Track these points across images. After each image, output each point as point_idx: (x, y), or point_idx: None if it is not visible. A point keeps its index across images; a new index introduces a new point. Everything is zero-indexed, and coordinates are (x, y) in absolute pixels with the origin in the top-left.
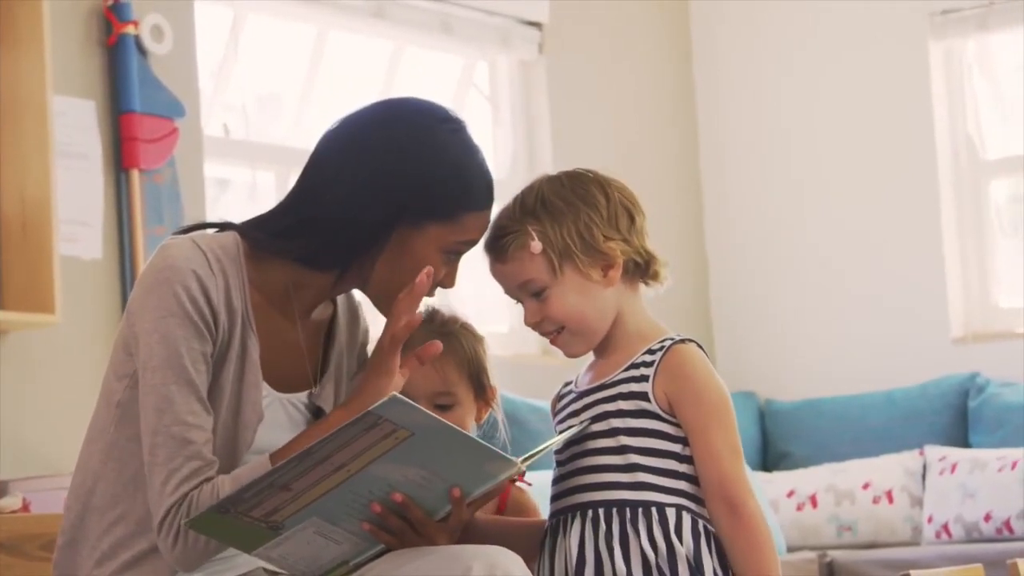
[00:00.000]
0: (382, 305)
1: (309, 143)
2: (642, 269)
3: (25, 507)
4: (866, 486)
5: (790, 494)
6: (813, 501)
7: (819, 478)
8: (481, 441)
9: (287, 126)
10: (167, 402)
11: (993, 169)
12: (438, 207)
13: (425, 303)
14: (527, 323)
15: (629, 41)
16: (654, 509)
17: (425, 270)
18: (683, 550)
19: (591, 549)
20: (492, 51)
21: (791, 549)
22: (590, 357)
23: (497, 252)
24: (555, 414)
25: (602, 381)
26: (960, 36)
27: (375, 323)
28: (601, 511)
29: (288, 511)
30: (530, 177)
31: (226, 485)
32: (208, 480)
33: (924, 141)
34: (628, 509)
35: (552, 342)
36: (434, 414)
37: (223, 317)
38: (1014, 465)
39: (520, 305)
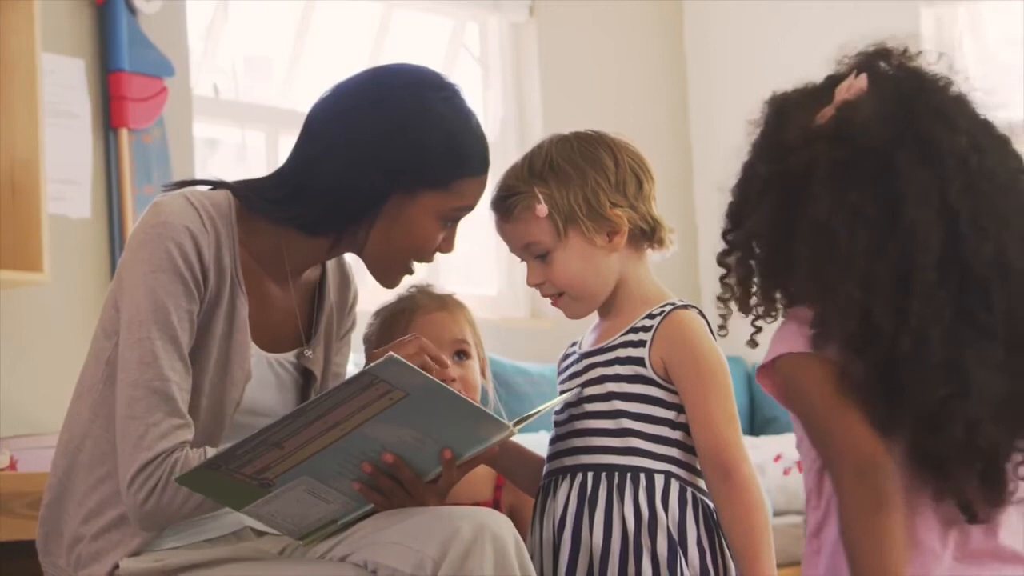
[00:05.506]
0: (378, 271)
1: (299, 104)
2: (648, 235)
3: (12, 465)
4: None
5: (777, 459)
6: (799, 466)
7: None
8: (475, 404)
9: (277, 87)
10: (152, 356)
11: None
12: (433, 176)
13: (416, 278)
14: (529, 283)
15: (619, 4)
16: (642, 475)
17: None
18: (666, 520)
19: (572, 514)
20: (482, 13)
21: (777, 513)
22: (595, 318)
23: (503, 212)
24: (559, 374)
25: (602, 344)
26: (951, 2)
27: (364, 286)
28: (590, 475)
29: (279, 469)
30: (521, 140)
31: (212, 455)
32: (188, 443)
33: None
34: (616, 474)
35: (553, 303)
36: (431, 376)
37: (212, 274)
38: None
39: (520, 264)
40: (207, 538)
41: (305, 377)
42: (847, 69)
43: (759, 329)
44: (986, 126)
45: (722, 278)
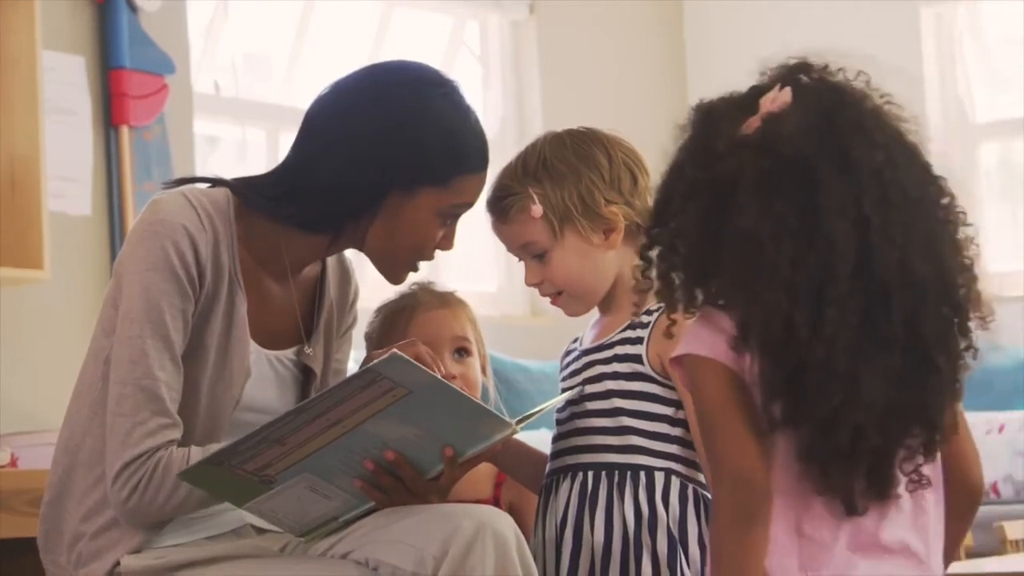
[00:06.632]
0: (382, 267)
1: (299, 102)
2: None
3: (13, 463)
4: None
5: None
6: None
7: None
8: (478, 402)
9: (277, 84)
10: (141, 354)
11: (983, 132)
12: (431, 173)
13: (416, 275)
14: (528, 283)
15: (620, 3)
16: (643, 473)
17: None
18: (666, 518)
19: (573, 514)
20: (483, 11)
21: None
22: (595, 313)
23: (499, 213)
24: (561, 370)
25: (601, 341)
26: (951, 1)
27: (365, 283)
28: (590, 473)
29: (281, 466)
30: (520, 138)
31: (196, 455)
32: (174, 442)
33: (914, 104)
34: (617, 472)
35: (552, 302)
36: (435, 374)
37: (209, 272)
38: (1001, 428)
39: (518, 262)
40: (208, 535)
41: (305, 374)
42: (770, 81)
43: (675, 322)
44: (898, 138)
45: (642, 271)
